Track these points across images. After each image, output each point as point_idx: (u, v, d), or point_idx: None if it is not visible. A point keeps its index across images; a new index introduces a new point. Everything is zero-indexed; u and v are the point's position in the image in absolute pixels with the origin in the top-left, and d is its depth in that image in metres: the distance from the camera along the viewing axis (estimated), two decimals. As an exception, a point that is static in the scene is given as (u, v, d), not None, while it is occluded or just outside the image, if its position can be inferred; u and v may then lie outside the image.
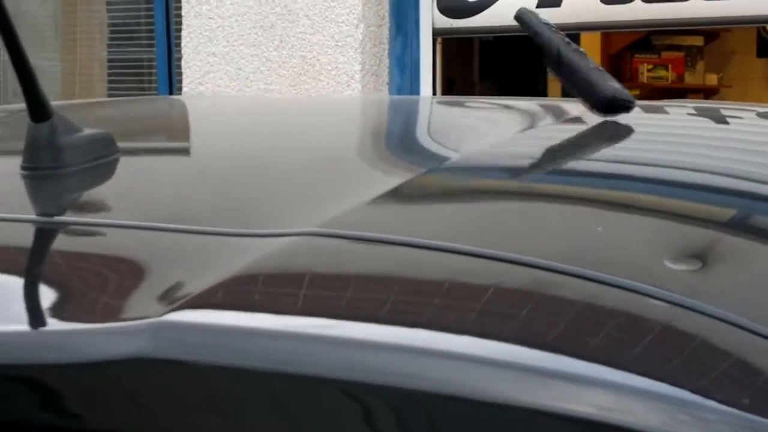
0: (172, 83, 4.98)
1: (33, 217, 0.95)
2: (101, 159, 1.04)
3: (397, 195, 1.02)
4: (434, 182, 1.08)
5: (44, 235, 0.93)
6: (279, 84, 4.51)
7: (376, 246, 0.83)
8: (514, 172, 1.15)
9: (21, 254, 0.90)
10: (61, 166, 0.99)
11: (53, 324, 0.77)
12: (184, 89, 4.68)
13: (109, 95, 5.88)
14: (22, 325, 0.76)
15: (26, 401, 0.72)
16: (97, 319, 0.75)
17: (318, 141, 1.36)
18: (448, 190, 1.07)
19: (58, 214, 0.98)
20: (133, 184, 1.05)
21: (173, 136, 1.45)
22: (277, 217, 0.91)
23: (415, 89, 4.46)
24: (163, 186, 1.05)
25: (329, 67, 4.42)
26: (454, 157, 1.13)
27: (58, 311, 0.79)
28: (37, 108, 0.99)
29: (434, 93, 4.51)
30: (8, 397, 0.71)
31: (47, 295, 0.82)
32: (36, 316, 0.77)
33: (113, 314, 0.75)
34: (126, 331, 0.71)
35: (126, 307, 0.76)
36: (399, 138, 1.45)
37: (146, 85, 5.57)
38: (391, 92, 4.45)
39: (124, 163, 1.08)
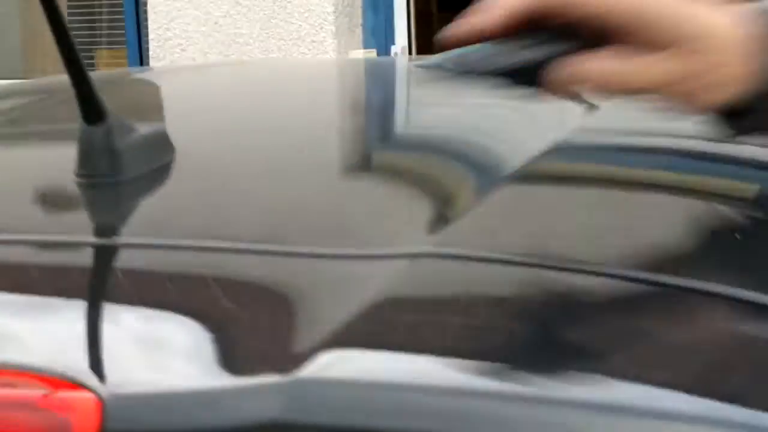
0: (140, 29, 4.85)
1: (107, 240, 0.83)
2: (161, 162, 0.93)
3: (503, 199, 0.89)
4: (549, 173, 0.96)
5: (126, 260, 0.79)
6: (249, 29, 4.40)
7: (506, 267, 0.72)
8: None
9: (105, 285, 0.76)
10: (120, 172, 0.88)
11: (162, 381, 0.60)
12: (151, 36, 4.55)
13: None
14: (126, 384, 0.59)
15: None
16: (215, 374, 0.60)
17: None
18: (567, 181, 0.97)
19: (135, 233, 0.84)
20: (209, 195, 0.90)
21: (239, 130, 1.19)
22: (375, 233, 0.79)
23: (389, 30, 4.36)
24: (240, 194, 0.91)
25: (301, 9, 4.31)
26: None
27: (164, 365, 0.63)
28: (91, 108, 0.88)
29: (409, 31, 4.42)
30: None
31: (146, 346, 0.65)
32: (142, 372, 0.61)
33: (235, 367, 0.61)
34: (257, 390, 0.57)
35: (247, 355, 0.62)
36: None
37: (115, 32, 5.42)
38: (365, 34, 4.35)
39: (186, 166, 0.93)
